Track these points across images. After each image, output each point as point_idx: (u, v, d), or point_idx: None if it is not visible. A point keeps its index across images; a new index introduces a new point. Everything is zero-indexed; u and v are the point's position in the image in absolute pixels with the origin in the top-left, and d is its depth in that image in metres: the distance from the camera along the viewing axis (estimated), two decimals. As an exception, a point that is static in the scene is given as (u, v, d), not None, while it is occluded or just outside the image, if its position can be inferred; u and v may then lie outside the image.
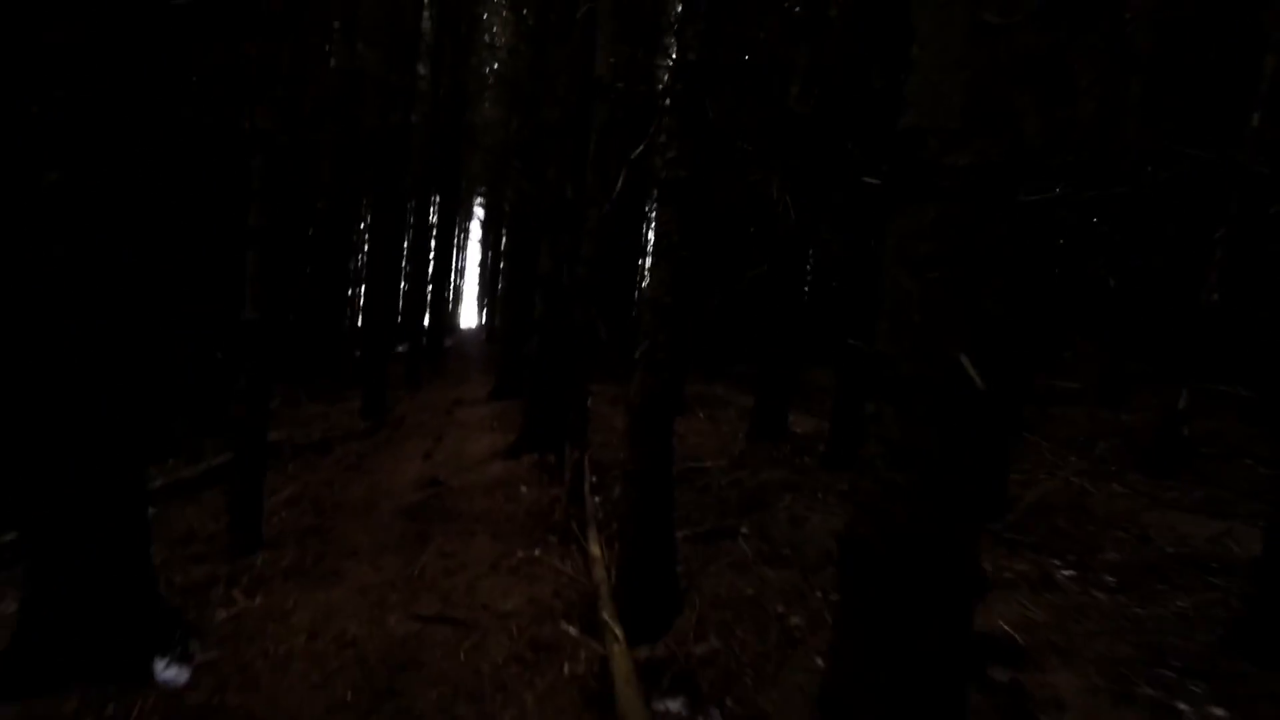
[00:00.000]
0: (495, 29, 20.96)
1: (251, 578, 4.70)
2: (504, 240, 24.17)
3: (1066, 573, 4.02)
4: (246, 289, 4.84)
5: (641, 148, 5.01)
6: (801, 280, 7.33)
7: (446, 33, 15.95)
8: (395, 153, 11.93)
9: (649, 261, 21.62)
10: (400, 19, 11.43)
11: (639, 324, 3.75)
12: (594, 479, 6.30)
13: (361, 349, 12.53)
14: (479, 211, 35.17)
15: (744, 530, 4.55)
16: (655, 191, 10.63)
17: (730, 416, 9.68)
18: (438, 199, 20.94)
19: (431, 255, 20.82)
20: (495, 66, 21.04)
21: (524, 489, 6.65)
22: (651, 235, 20.02)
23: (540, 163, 8.14)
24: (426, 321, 20.98)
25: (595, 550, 4.31)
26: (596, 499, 5.84)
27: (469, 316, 44.65)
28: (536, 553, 4.87)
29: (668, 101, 3.46)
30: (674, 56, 3.56)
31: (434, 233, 21.28)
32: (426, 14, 16.11)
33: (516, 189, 10.68)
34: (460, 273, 40.31)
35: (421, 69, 15.72)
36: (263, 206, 4.79)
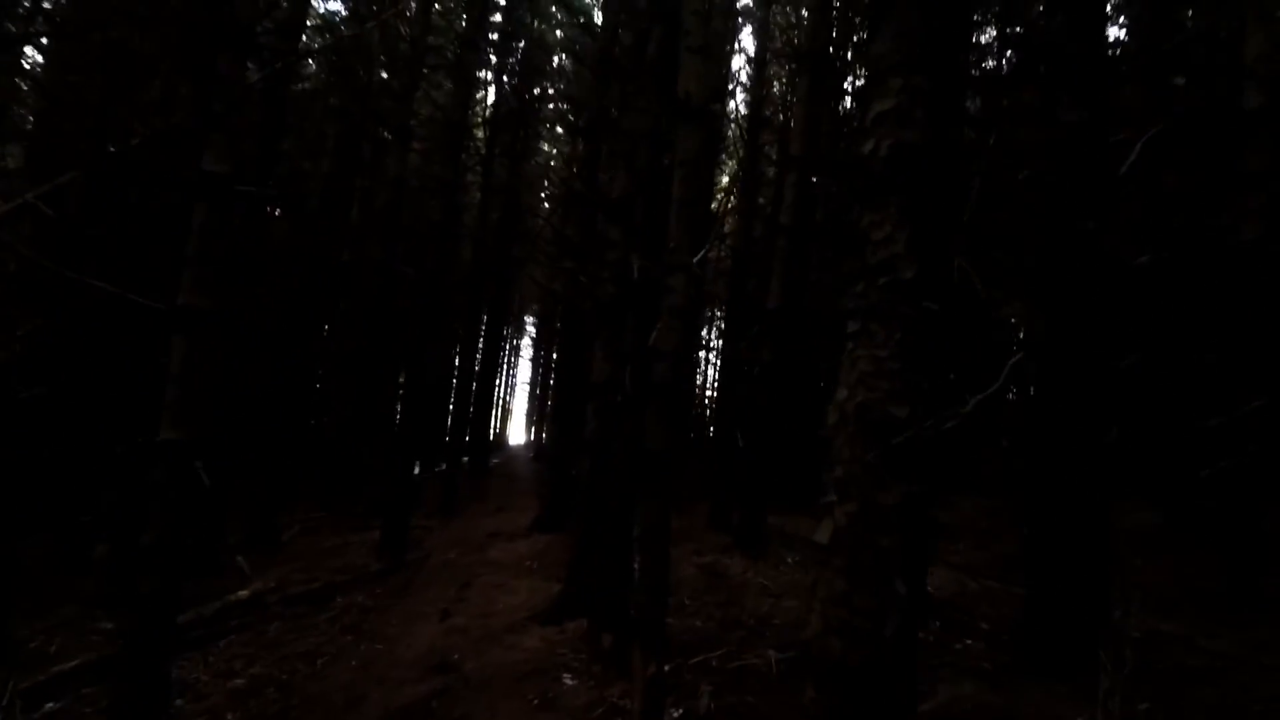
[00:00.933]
0: (548, 146, 21.10)
1: None
2: (555, 353, 23.06)
3: None
4: (166, 392, 3.30)
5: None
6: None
7: (497, 143, 15.65)
8: (443, 261, 10.92)
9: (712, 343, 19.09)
10: (451, 130, 10.76)
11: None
12: (666, 668, 4.30)
13: (385, 475, 10.96)
14: (531, 330, 34.96)
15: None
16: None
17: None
18: (486, 316, 20.13)
19: (477, 367, 19.71)
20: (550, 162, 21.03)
21: (566, 682, 4.67)
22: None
23: (596, 249, 6.73)
24: (470, 438, 19.57)
25: None
26: (677, 715, 3.85)
27: (518, 433, 43.50)
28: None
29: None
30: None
31: (481, 344, 20.26)
32: (480, 130, 15.90)
33: (569, 286, 9.33)
34: (511, 388, 39.60)
35: (471, 177, 15.26)
36: (200, 278, 3.33)
